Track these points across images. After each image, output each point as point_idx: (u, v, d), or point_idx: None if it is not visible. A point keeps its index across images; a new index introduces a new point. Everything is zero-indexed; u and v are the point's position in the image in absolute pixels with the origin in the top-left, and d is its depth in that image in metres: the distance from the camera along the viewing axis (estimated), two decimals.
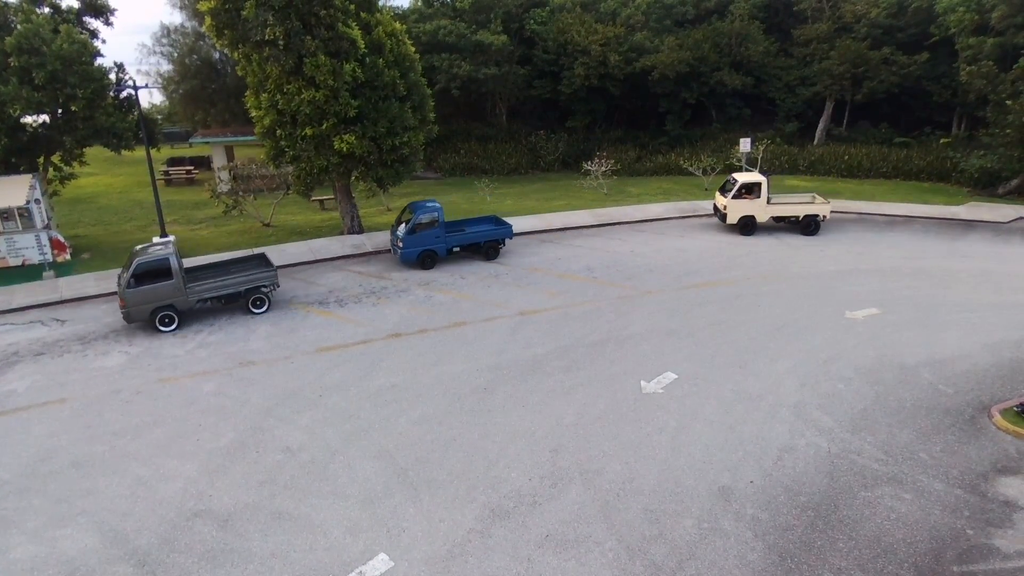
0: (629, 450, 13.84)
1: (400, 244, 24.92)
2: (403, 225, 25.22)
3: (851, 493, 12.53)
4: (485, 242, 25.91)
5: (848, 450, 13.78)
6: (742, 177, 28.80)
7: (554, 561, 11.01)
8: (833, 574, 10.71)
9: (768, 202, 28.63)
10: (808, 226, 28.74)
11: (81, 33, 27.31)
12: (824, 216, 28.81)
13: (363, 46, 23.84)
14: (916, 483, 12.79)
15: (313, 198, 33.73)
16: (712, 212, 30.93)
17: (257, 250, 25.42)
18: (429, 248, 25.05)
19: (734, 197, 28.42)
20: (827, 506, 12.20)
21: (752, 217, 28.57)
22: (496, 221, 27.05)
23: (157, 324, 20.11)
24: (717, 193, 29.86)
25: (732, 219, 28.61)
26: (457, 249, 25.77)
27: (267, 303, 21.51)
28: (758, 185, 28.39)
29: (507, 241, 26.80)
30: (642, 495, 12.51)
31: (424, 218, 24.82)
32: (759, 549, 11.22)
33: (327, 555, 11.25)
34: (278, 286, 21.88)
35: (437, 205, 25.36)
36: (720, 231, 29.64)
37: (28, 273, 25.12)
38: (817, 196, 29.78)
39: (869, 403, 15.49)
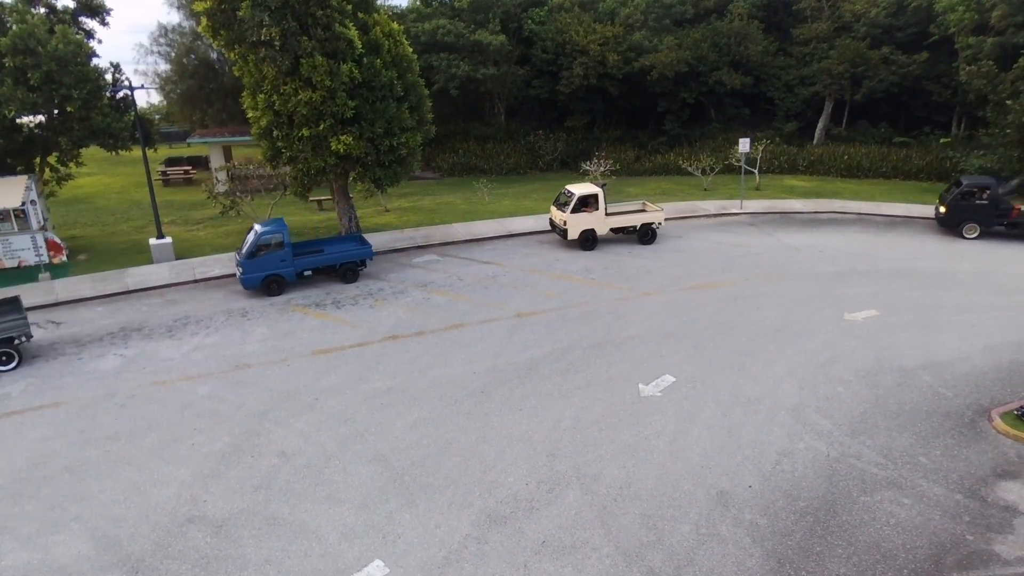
0: (627, 454, 13.75)
1: (240, 269, 22.85)
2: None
3: (850, 498, 12.44)
4: (341, 264, 23.92)
5: (847, 454, 13.69)
6: (578, 189, 26.98)
7: (551, 567, 10.92)
8: None
9: (607, 213, 27.14)
10: (645, 235, 27.61)
11: (77, 33, 27.19)
12: (659, 223, 27.69)
13: (360, 46, 23.69)
14: (916, 488, 12.70)
15: (311, 199, 33.59)
16: (551, 227, 28.31)
17: (11, 291, 21.50)
18: (274, 272, 22.82)
19: (573, 211, 26.55)
20: (826, 511, 12.12)
21: (592, 231, 26.99)
22: (359, 241, 25.17)
23: None
24: (553, 208, 27.86)
25: (573, 234, 26.75)
26: (309, 273, 23.87)
27: (17, 358, 18.10)
28: (595, 197, 26.72)
29: (368, 262, 24.82)
30: (640, 500, 12.42)
31: (266, 240, 22.64)
32: (757, 555, 11.14)
33: (322, 561, 11.16)
34: (30, 336, 18.43)
35: (281, 225, 23.24)
36: (720, 232, 29.53)
37: (24, 275, 25.00)
38: (648, 203, 28.73)
39: (868, 406, 15.40)
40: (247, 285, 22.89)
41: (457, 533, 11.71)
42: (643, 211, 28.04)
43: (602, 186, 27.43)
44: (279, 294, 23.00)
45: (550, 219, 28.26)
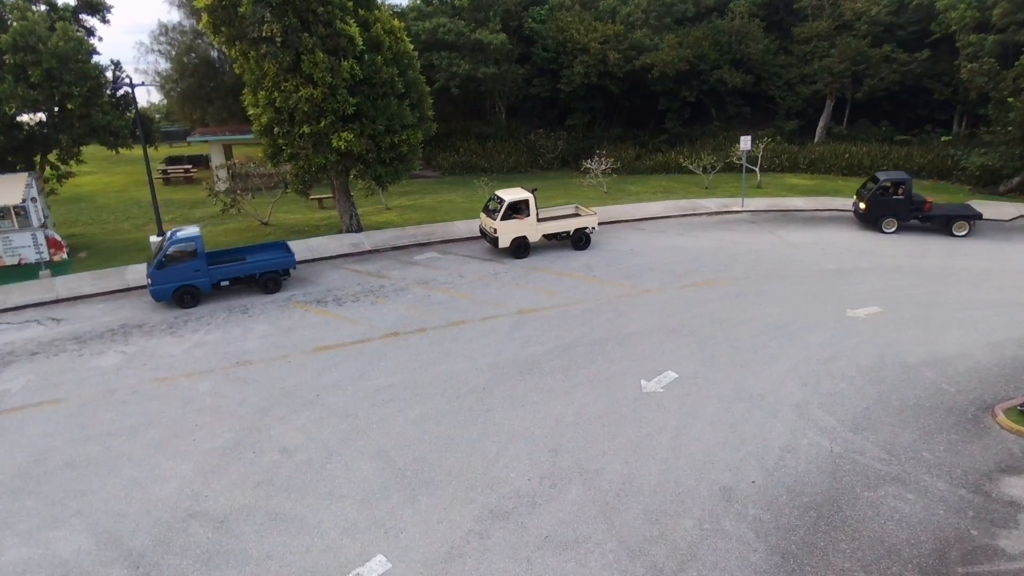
0: (629, 450, 13.70)
1: (148, 280, 21.64)
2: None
3: (854, 493, 12.39)
4: (262, 274, 22.73)
5: (850, 450, 13.64)
6: (508, 195, 25.63)
7: (554, 562, 10.88)
8: (836, 575, 10.58)
9: (538, 219, 26.02)
10: (579, 240, 26.60)
11: (77, 31, 27.17)
12: (593, 228, 26.75)
13: (361, 43, 23.68)
14: (919, 483, 12.65)
15: (311, 196, 33.58)
16: (481, 234, 27.16)
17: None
18: (187, 283, 21.61)
19: (503, 218, 25.19)
20: (830, 506, 12.06)
21: (524, 238, 25.72)
22: (283, 249, 23.92)
23: None
24: (483, 215, 26.69)
25: (504, 243, 25.44)
26: (226, 283, 22.57)
27: None
28: (526, 202, 25.45)
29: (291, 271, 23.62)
30: (642, 495, 12.37)
31: (177, 249, 21.47)
32: (761, 550, 11.09)
33: (324, 556, 11.11)
34: None
35: (194, 233, 22.08)
36: (721, 230, 29.49)
37: (24, 272, 24.98)
38: (581, 207, 27.87)
39: (871, 402, 15.35)
40: (157, 297, 21.65)
41: (459, 528, 11.67)
42: (576, 216, 27.09)
43: (532, 191, 26.01)
44: (193, 305, 21.82)
45: (480, 227, 26.98)
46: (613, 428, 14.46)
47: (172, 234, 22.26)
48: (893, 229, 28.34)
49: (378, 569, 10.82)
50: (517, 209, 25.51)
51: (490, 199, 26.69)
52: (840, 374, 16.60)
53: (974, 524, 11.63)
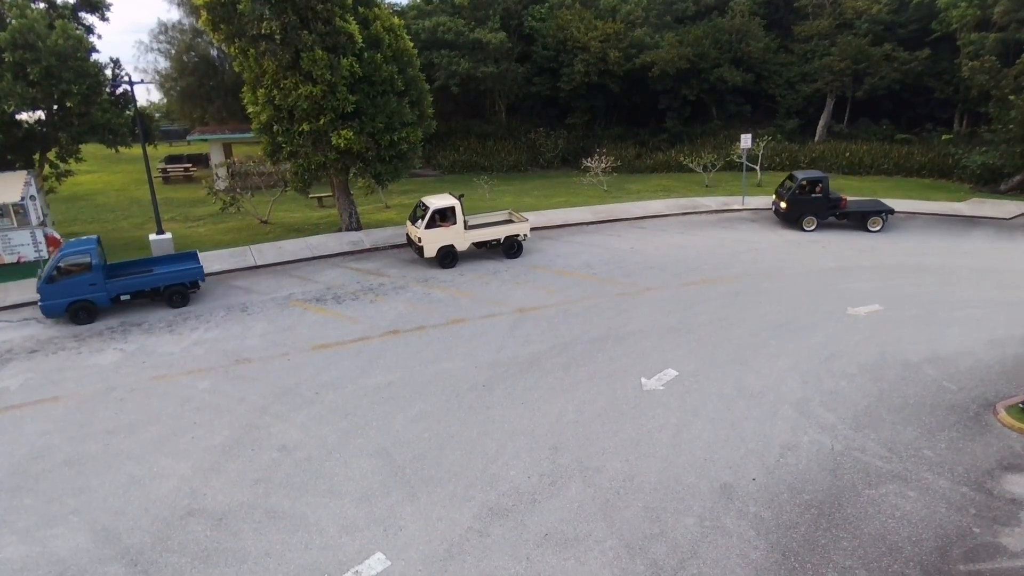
0: (630, 447, 13.65)
1: (39, 295, 20.22)
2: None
3: (855, 491, 12.34)
4: (167, 287, 21.45)
5: (851, 447, 13.59)
6: (433, 202, 24.45)
7: (553, 560, 10.83)
8: (837, 573, 10.53)
9: (466, 227, 24.98)
10: (511, 248, 25.54)
11: (76, 28, 27.07)
12: (525, 235, 25.82)
13: (361, 41, 23.63)
14: (921, 481, 12.60)
15: (311, 195, 33.54)
16: (408, 242, 26.12)
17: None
18: (81, 298, 20.21)
19: (428, 226, 24.07)
20: (831, 504, 12.01)
21: (451, 247, 24.62)
22: (191, 260, 22.54)
23: None
24: (408, 223, 25.69)
25: (430, 252, 24.29)
26: (127, 298, 21.24)
27: None
28: (452, 209, 24.32)
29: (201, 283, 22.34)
30: (643, 493, 12.32)
31: (68, 262, 20.14)
32: (762, 547, 11.03)
33: (322, 554, 11.06)
34: None
35: (89, 244, 20.75)
36: (721, 228, 29.43)
37: (23, 270, 24.90)
38: (515, 213, 26.88)
39: (872, 400, 15.29)
40: (47, 313, 20.23)
41: (459, 526, 11.61)
42: (509, 222, 26.04)
43: (459, 197, 24.94)
44: (89, 322, 20.47)
45: (407, 234, 25.80)
46: (613, 426, 14.41)
47: (66, 245, 21.07)
48: (813, 227, 28.51)
49: (377, 567, 10.77)
50: (443, 216, 24.34)
51: (416, 206, 25.42)
52: (841, 372, 16.54)
53: (976, 521, 11.58)
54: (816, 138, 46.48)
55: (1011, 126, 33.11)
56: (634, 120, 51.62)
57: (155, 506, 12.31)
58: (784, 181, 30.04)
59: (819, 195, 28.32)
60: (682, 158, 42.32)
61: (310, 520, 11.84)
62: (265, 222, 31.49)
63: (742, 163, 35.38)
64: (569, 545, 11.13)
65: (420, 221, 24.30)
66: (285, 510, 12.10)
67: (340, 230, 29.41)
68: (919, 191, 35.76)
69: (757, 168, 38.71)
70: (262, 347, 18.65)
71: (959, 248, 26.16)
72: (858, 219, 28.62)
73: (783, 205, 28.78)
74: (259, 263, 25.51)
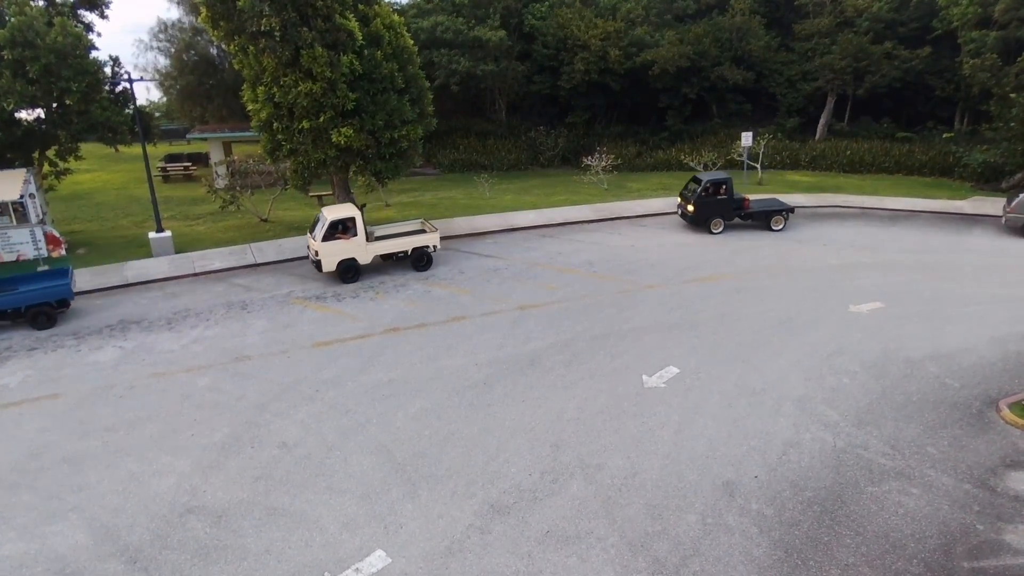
0: (631, 445, 13.60)
1: None
2: None
3: (858, 488, 12.29)
4: (28, 307, 19.57)
5: (854, 444, 13.53)
6: (331, 213, 22.97)
7: (555, 557, 10.77)
8: (840, 570, 10.47)
9: (369, 238, 23.54)
10: (420, 260, 24.18)
11: (76, 26, 26.97)
12: (435, 246, 24.38)
13: (361, 38, 23.53)
14: (924, 478, 12.55)
15: (311, 193, 33.45)
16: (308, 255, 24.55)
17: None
18: None
19: (325, 239, 22.53)
20: (833, 501, 11.96)
21: (353, 260, 23.09)
22: (60, 276, 20.57)
23: None
24: (308, 233, 24.15)
25: (328, 266, 22.73)
26: None
27: None
28: (352, 220, 22.83)
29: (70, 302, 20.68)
30: (645, 490, 12.27)
31: None
32: (764, 545, 10.98)
33: (323, 551, 11.00)
34: None
35: None
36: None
37: (22, 268, 24.81)
38: (427, 223, 25.40)
39: (875, 397, 15.24)
40: None
41: (460, 523, 11.56)
42: (419, 233, 24.61)
43: (361, 207, 23.74)
44: None
45: (307, 247, 24.16)
46: (614, 423, 14.36)
47: None
48: (720, 229, 28.25)
49: (378, 564, 10.72)
50: (343, 228, 22.91)
51: (317, 218, 23.99)
52: (843, 369, 16.49)
53: (979, 519, 11.53)
54: (817, 136, 46.41)
55: (1012, 124, 33.03)
56: (634, 118, 51.52)
57: (154, 503, 12.25)
58: (688, 184, 29.55)
59: (724, 197, 27.97)
60: (682, 156, 42.25)
61: (310, 517, 11.78)
62: (265, 220, 31.41)
63: (743, 161, 35.31)
64: (570, 542, 11.08)
65: (318, 234, 22.82)
66: (285, 507, 12.05)
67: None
68: (920, 189, 35.70)
69: (758, 167, 38.65)
70: (262, 344, 18.59)
71: (961, 246, 26.10)
72: (762, 219, 28.55)
73: (690, 208, 28.21)
74: (259, 261, 25.47)
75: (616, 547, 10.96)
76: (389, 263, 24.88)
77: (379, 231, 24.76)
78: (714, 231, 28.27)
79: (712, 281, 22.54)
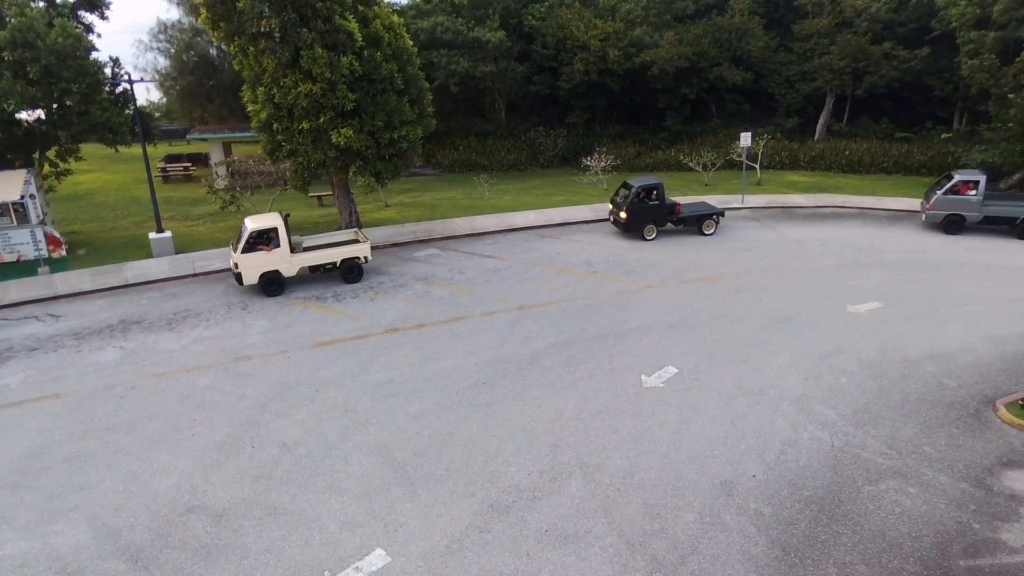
0: (630, 444, 13.66)
1: None
2: None
3: (855, 487, 12.35)
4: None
5: (851, 444, 13.59)
6: (252, 223, 22.00)
7: (554, 556, 10.83)
8: (837, 569, 10.53)
9: (293, 250, 22.48)
10: (350, 271, 23.13)
11: (76, 27, 27.02)
12: (366, 257, 23.37)
13: (360, 39, 23.60)
14: (921, 477, 12.61)
15: (311, 194, 33.53)
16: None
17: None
18: None
19: (246, 250, 21.63)
20: (831, 500, 12.02)
21: (276, 272, 22.06)
22: None
23: None
24: (232, 246, 22.95)
25: (250, 279, 21.79)
26: None
27: None
28: (275, 231, 21.77)
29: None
30: (643, 489, 12.33)
31: None
32: (762, 543, 11.04)
33: (323, 550, 11.06)
34: None
35: None
36: (721, 226, 29.36)
37: (23, 268, 24.92)
38: (360, 233, 24.33)
39: (872, 397, 15.30)
40: None
41: (459, 522, 11.62)
42: (351, 243, 23.57)
43: (285, 216, 22.43)
44: None
45: (231, 260, 22.67)
46: (613, 423, 14.42)
47: None
48: (654, 235, 27.73)
49: (377, 563, 10.78)
50: (266, 238, 21.97)
51: (241, 229, 22.80)
52: (841, 369, 16.55)
53: (976, 518, 11.59)
54: (816, 136, 46.48)
55: (1011, 124, 33.08)
56: (634, 119, 51.57)
57: (155, 503, 12.31)
58: (619, 190, 28.87)
59: (656, 202, 27.44)
60: (682, 157, 42.32)
61: (310, 516, 11.84)
62: None
63: (742, 162, 35.38)
64: (569, 541, 11.14)
65: (238, 245, 21.85)
66: (285, 506, 12.10)
67: (340, 228, 29.38)
68: (919, 189, 35.72)
69: (757, 167, 38.71)
70: (262, 344, 18.65)
71: (959, 245, 26.17)
72: (693, 223, 28.27)
73: (623, 215, 27.47)
74: None
75: (614, 546, 11.02)
76: (317, 275, 23.83)
77: (308, 241, 23.79)
78: (647, 237, 27.60)
79: (711, 281, 22.61)
